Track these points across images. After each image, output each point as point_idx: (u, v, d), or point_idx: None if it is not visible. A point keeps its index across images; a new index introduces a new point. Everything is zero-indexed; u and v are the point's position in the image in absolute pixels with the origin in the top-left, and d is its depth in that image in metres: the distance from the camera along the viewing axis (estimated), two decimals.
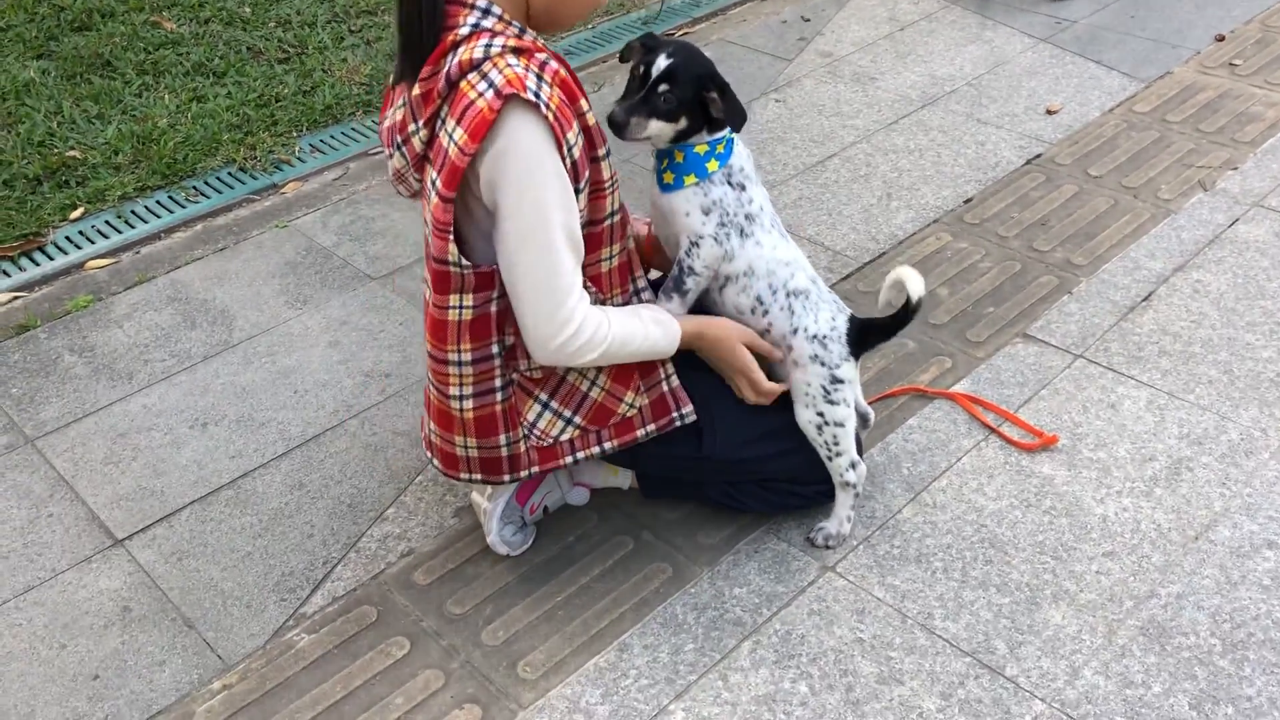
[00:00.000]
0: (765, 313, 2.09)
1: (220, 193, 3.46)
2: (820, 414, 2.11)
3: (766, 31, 4.26)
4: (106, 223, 3.33)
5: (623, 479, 2.31)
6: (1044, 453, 2.40)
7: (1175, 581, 2.12)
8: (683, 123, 1.97)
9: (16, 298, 3.05)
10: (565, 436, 2.00)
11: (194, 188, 3.48)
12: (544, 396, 1.98)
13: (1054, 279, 2.91)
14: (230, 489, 2.42)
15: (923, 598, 2.11)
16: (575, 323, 1.83)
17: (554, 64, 1.79)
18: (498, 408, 1.94)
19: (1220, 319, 2.74)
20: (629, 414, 2.03)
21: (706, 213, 2.02)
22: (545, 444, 2.00)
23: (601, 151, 1.84)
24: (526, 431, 1.98)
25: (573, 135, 1.76)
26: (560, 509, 2.31)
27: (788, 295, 2.08)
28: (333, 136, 3.72)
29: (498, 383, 1.92)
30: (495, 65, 1.71)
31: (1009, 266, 2.97)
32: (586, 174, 1.81)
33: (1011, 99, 3.74)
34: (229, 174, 3.54)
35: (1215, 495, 2.28)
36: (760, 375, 2.08)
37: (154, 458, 2.51)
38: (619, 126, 1.94)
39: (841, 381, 2.11)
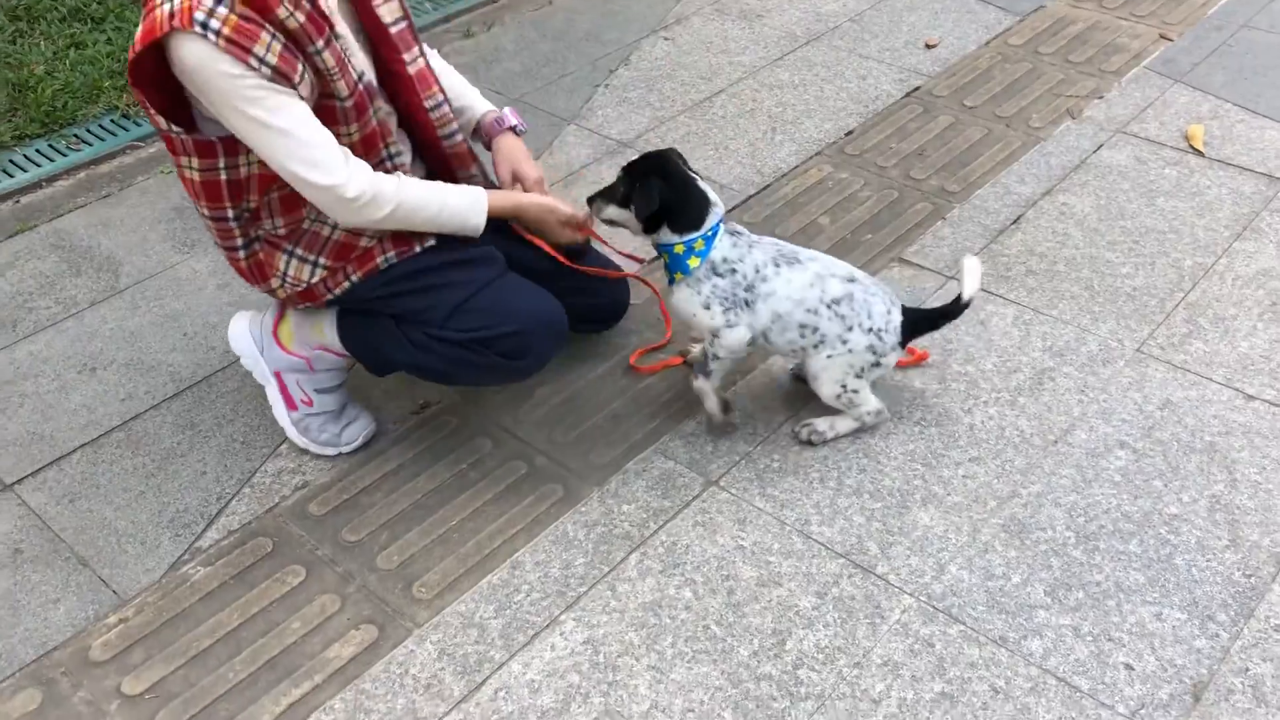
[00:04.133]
0: (815, 330, 2.22)
1: (103, 140, 3.40)
2: (844, 385, 2.26)
3: None
4: None
5: (328, 331, 2.29)
6: (916, 369, 2.52)
7: (1035, 482, 2.25)
8: (632, 209, 2.22)
9: None
10: (316, 278, 2.14)
11: (75, 136, 3.42)
12: (289, 247, 2.14)
13: (929, 205, 3.03)
14: (121, 431, 2.43)
15: (800, 506, 2.22)
16: (349, 189, 1.98)
17: None
18: (242, 263, 2.15)
19: (1083, 239, 2.88)
20: (369, 245, 2.14)
21: (708, 307, 2.22)
22: (300, 288, 2.15)
23: (317, 45, 1.91)
24: (281, 280, 2.15)
25: (262, 46, 1.84)
26: (454, 436, 2.37)
27: (829, 307, 2.21)
28: None
29: (239, 241, 2.12)
30: None
31: (887, 195, 3.07)
32: (301, 67, 1.90)
33: (892, 34, 3.84)
34: (111, 121, 3.47)
35: (1074, 402, 2.43)
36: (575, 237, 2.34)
37: (42, 403, 2.50)
38: (589, 207, 2.32)
39: (879, 366, 2.26)
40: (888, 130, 3.34)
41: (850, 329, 2.22)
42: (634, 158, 2.27)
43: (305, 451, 2.36)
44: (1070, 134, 3.28)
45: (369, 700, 1.90)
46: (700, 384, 2.33)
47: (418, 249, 2.16)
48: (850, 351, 2.24)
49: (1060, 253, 2.84)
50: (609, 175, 3.16)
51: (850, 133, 3.34)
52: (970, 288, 2.27)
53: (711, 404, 2.35)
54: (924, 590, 2.05)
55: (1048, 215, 2.97)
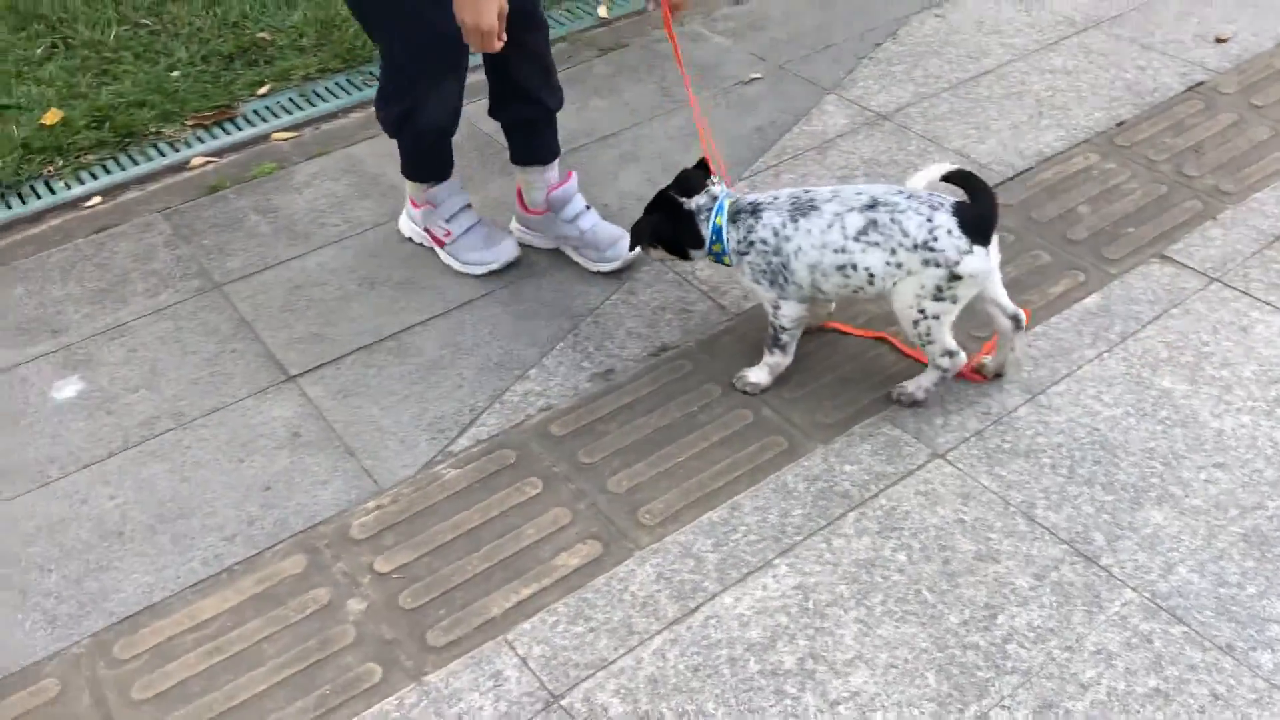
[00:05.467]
0: (856, 267, 2.23)
1: None
2: (922, 310, 2.22)
3: None
4: (290, 99, 3.59)
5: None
6: (1166, 367, 2.44)
7: None
8: (659, 249, 2.47)
9: (209, 162, 3.34)
10: None
11: (371, 73, 3.71)
12: None
13: (1199, 204, 2.90)
14: (392, 340, 2.66)
15: (1027, 489, 2.20)
16: None
17: None
18: None
19: None
20: None
21: (758, 283, 2.35)
22: None
23: None
24: None
25: None
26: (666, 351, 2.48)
27: (857, 241, 2.21)
28: None
29: None
30: None
31: (1154, 189, 2.96)
32: None
33: (1180, 25, 3.66)
34: None
35: None
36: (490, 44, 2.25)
37: (325, 308, 2.76)
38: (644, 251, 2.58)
39: (960, 279, 2.18)
40: (1163, 124, 3.21)
41: (894, 251, 2.18)
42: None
43: (552, 378, 2.52)
44: None
45: (590, 609, 2.04)
46: (775, 358, 2.41)
47: None
48: (910, 274, 2.19)
49: None
50: (864, 146, 3.19)
51: (1122, 123, 3.23)
52: (941, 169, 2.28)
53: (765, 380, 2.43)
54: (1148, 587, 2.01)
55: None
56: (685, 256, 2.44)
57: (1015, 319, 2.33)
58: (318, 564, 2.16)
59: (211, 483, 2.33)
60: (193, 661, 2.00)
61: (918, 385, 2.37)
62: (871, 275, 2.23)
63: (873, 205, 2.22)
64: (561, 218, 2.79)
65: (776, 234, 2.28)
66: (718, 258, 2.39)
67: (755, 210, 2.32)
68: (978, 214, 2.19)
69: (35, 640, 2.06)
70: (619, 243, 2.78)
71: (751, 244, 2.31)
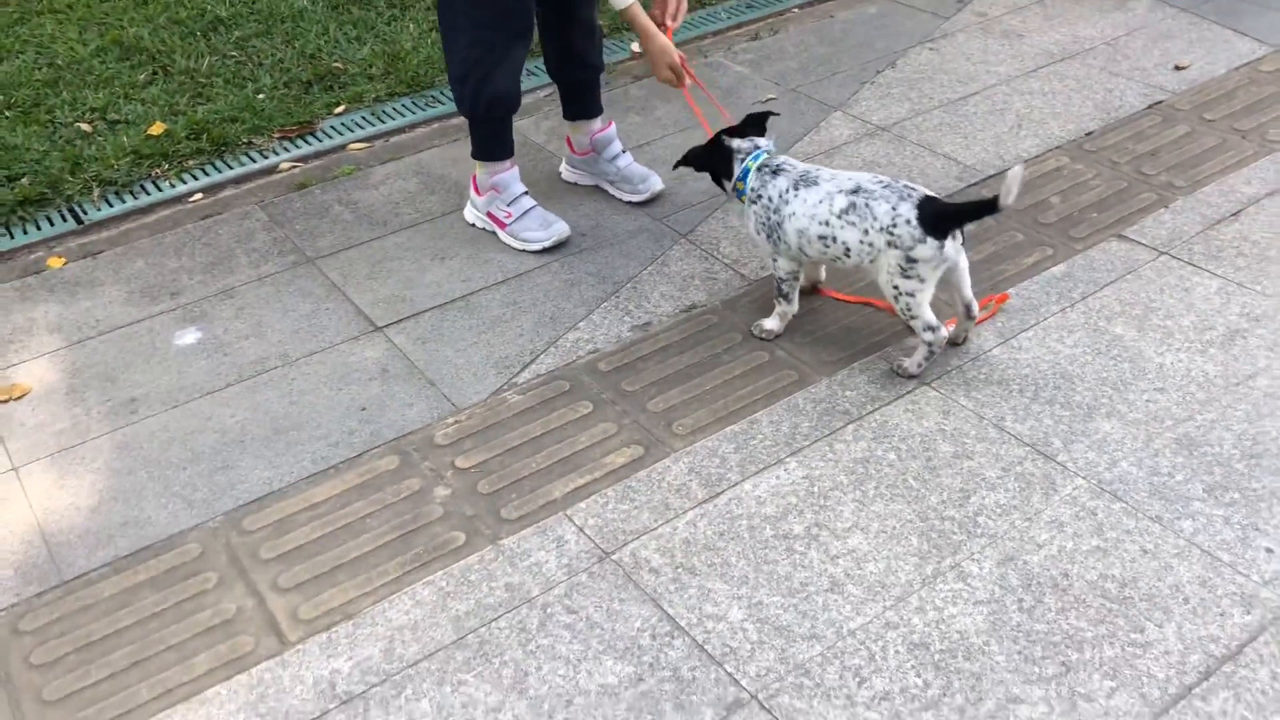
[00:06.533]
0: (835, 239, 2.67)
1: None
2: (895, 286, 2.64)
3: None
4: (363, 118, 4.11)
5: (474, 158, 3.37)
6: (1119, 319, 2.88)
7: (1212, 411, 2.58)
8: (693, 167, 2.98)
9: (296, 166, 3.84)
10: None
11: (433, 96, 4.23)
12: None
13: (1154, 196, 3.36)
14: (461, 301, 3.13)
15: (998, 407, 2.64)
16: None
17: None
18: None
19: None
20: None
21: (759, 234, 2.80)
22: None
23: None
24: None
25: None
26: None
27: (839, 217, 2.66)
28: None
29: None
30: None
31: (1116, 184, 3.43)
32: None
33: (1144, 56, 4.16)
34: None
35: (1261, 356, 2.73)
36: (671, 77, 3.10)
37: (404, 277, 3.24)
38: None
39: (916, 261, 2.57)
40: (1126, 134, 3.69)
41: (866, 232, 2.61)
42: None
43: (598, 329, 2.98)
44: None
45: (633, 493, 2.47)
46: (783, 307, 2.85)
47: None
48: (879, 251, 2.60)
49: (1275, 241, 3.12)
50: (865, 151, 3.68)
51: (1090, 133, 3.71)
52: (1008, 196, 2.43)
53: (777, 326, 2.88)
54: (1095, 476, 2.43)
55: (1268, 212, 3.24)
56: (719, 182, 2.92)
57: (968, 309, 2.75)
58: (409, 463, 2.60)
59: (316, 405, 2.79)
60: (309, 531, 2.44)
61: (913, 361, 2.74)
62: (847, 249, 2.67)
63: (856, 190, 2.66)
64: (604, 157, 3.49)
65: (780, 196, 2.74)
66: (739, 194, 2.85)
67: (776, 171, 2.77)
68: (936, 211, 2.56)
69: (178, 518, 2.50)
70: (649, 179, 3.46)
71: (759, 197, 2.77)
